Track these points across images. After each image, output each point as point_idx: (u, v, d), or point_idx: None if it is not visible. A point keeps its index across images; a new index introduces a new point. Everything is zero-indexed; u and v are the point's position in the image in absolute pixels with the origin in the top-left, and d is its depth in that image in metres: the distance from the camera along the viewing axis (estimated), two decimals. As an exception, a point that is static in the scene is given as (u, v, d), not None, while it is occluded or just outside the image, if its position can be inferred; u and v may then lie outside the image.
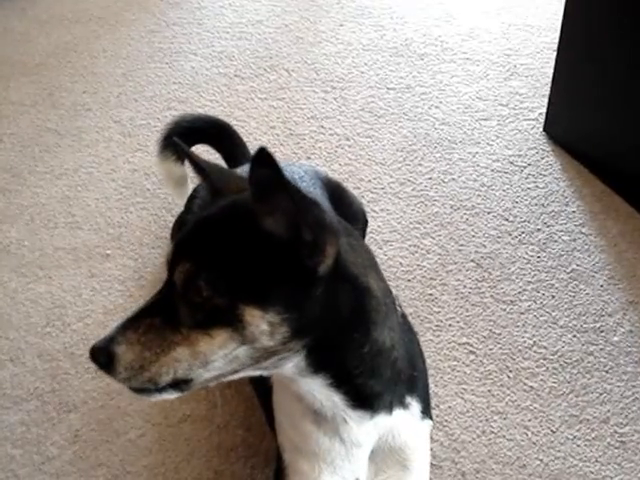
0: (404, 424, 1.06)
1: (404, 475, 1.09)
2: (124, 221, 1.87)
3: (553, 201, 1.85)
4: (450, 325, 1.60)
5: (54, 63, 2.43)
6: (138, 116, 2.19)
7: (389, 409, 1.01)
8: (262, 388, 1.17)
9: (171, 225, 1.73)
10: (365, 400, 0.96)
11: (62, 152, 2.09)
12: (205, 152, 1.82)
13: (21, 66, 2.43)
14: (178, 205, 1.72)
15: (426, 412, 1.11)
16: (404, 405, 1.04)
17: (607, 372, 1.51)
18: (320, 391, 0.94)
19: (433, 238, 1.77)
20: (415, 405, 1.07)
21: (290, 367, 0.88)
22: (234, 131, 1.75)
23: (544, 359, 1.54)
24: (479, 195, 1.87)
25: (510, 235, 1.77)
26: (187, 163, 1.68)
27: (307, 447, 1.04)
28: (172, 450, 1.43)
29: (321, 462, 1.04)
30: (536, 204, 1.84)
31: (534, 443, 1.41)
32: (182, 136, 1.67)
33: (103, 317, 1.66)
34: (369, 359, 0.92)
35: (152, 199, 1.92)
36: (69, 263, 1.78)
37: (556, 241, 1.76)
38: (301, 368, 0.89)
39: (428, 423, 1.13)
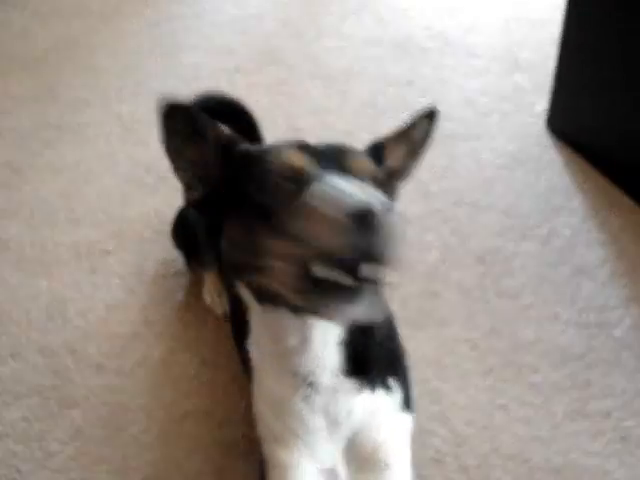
0: (386, 412, 1.07)
1: (384, 474, 1.09)
2: (125, 216, 1.87)
3: (555, 196, 1.85)
4: (452, 320, 1.60)
5: (54, 57, 2.43)
6: (138, 110, 2.19)
7: (373, 387, 1.03)
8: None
9: (171, 220, 1.72)
10: (358, 368, 0.98)
11: (62, 147, 2.09)
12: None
13: (21, 60, 2.43)
14: (179, 199, 1.71)
15: (407, 403, 1.12)
16: (387, 387, 1.06)
17: (609, 367, 1.51)
18: (330, 350, 0.95)
19: (435, 233, 1.77)
20: (397, 391, 1.08)
21: None
22: (250, 114, 1.71)
23: (546, 354, 1.54)
24: (481, 190, 1.87)
25: (512, 230, 1.77)
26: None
27: (289, 431, 1.04)
28: (174, 446, 1.43)
29: (301, 447, 1.04)
30: (538, 199, 1.84)
31: (536, 437, 1.41)
32: None
33: (104, 312, 1.66)
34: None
35: (152, 194, 1.92)
36: (69, 259, 1.78)
37: (558, 236, 1.76)
38: None
39: (409, 416, 1.14)
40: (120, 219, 1.86)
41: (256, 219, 0.83)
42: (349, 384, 0.99)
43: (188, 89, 2.23)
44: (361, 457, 1.07)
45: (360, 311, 0.75)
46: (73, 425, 1.47)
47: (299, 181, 0.82)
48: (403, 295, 1.59)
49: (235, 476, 1.37)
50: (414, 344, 1.54)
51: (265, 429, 1.09)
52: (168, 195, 1.90)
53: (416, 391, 1.44)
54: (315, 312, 0.79)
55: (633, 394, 1.47)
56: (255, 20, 2.52)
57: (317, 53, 2.35)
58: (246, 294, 0.95)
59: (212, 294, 1.63)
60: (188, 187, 0.96)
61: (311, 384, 0.98)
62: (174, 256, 1.72)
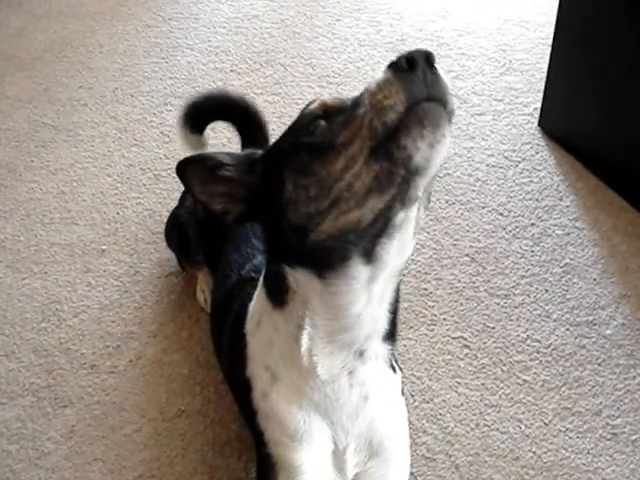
0: (392, 395, 1.09)
1: (389, 464, 1.10)
2: (120, 216, 1.87)
3: (547, 196, 1.85)
4: (444, 319, 1.61)
5: (50, 58, 2.43)
6: (134, 111, 2.19)
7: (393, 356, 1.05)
8: (240, 389, 1.15)
9: (166, 220, 1.73)
10: (392, 333, 1.00)
11: (58, 147, 2.09)
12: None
13: (17, 61, 2.43)
14: (174, 200, 1.73)
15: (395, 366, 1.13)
16: (393, 368, 1.07)
17: (599, 365, 1.52)
18: (384, 311, 0.95)
19: (428, 233, 1.78)
20: (398, 372, 1.11)
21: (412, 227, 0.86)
22: (257, 111, 1.64)
23: (537, 352, 1.54)
24: (474, 190, 1.87)
25: (504, 229, 1.78)
26: (206, 132, 1.61)
27: (311, 423, 1.03)
28: (167, 445, 1.44)
29: (310, 445, 1.04)
30: (530, 198, 1.85)
31: (527, 436, 1.42)
32: (201, 112, 1.58)
33: (98, 312, 1.67)
34: None
35: (148, 194, 1.92)
36: (64, 258, 1.79)
37: (550, 235, 1.77)
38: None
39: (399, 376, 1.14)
40: (115, 219, 1.87)
41: (314, 158, 0.86)
42: (385, 350, 1.00)
43: (184, 90, 2.26)
44: (371, 446, 1.07)
45: (437, 142, 0.78)
46: (67, 425, 1.48)
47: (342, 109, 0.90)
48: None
49: (228, 475, 1.38)
50: (406, 343, 1.56)
51: (276, 431, 1.06)
52: (163, 195, 1.91)
53: (407, 390, 1.46)
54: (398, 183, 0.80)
55: (623, 392, 1.48)
56: (250, 21, 2.53)
57: (312, 54, 2.36)
58: (303, 279, 0.91)
59: (205, 293, 1.64)
60: (225, 213, 0.99)
61: (361, 353, 0.98)
62: (168, 256, 1.73)
